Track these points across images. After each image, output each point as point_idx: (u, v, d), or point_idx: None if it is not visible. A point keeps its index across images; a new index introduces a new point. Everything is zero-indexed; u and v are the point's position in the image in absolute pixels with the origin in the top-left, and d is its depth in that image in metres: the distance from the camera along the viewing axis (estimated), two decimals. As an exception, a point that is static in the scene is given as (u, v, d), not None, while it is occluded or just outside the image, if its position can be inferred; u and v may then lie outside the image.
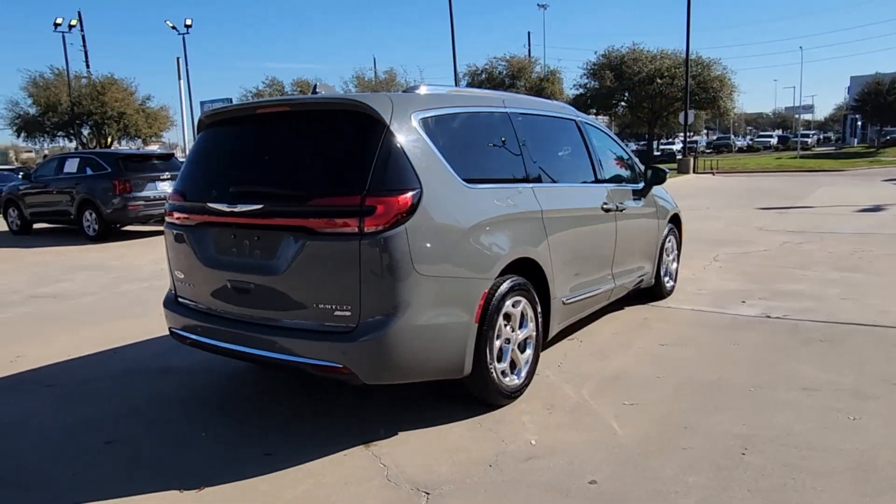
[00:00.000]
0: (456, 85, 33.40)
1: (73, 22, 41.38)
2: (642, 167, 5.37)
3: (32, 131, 42.93)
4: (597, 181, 4.64)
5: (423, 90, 3.47)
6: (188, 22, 42.61)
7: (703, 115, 40.16)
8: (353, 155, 2.96)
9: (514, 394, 3.54)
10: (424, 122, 3.16)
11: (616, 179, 5.05)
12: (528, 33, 56.82)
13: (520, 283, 3.53)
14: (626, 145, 5.99)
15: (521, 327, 3.63)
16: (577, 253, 4.19)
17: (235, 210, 3.15)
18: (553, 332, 4.01)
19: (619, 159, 5.32)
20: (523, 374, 3.63)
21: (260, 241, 3.13)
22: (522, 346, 3.67)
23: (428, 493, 2.65)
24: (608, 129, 5.64)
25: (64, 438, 3.31)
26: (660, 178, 5.26)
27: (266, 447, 3.10)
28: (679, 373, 3.98)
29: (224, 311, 3.32)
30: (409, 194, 2.91)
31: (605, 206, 4.51)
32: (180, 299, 3.61)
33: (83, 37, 52.44)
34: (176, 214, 3.52)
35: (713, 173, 29.07)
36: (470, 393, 3.41)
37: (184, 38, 42.67)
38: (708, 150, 55.50)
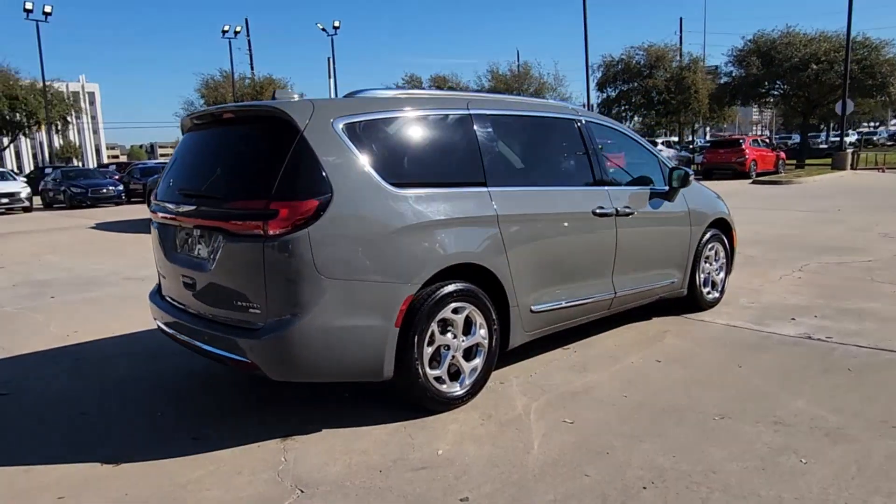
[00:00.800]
0: (587, 77, 32.55)
1: (238, 28, 45.54)
2: (668, 169, 4.98)
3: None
4: (595, 183, 4.40)
5: (381, 94, 3.54)
6: (336, 24, 45.24)
7: (867, 104, 35.56)
8: (267, 160, 3.09)
9: (455, 401, 3.50)
10: (349, 128, 3.21)
11: (627, 182, 4.74)
12: (681, 19, 53.43)
13: (463, 290, 3.48)
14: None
15: (467, 334, 3.57)
16: (555, 259, 4.02)
17: (179, 210, 3.41)
18: (517, 341, 3.89)
19: (637, 161, 4.99)
20: (468, 382, 3.58)
21: (197, 240, 3.36)
22: (470, 354, 3.61)
23: (302, 492, 2.73)
24: (628, 128, 5.27)
25: (51, 405, 3.79)
26: (682, 180, 4.86)
27: (197, 433, 3.34)
28: (648, 394, 3.70)
29: (182, 305, 3.60)
30: (315, 199, 2.99)
31: (598, 211, 4.26)
32: (161, 293, 3.96)
33: (249, 41, 57.48)
34: (151, 212, 3.87)
35: (881, 170, 25.79)
36: (400, 397, 3.43)
37: (332, 40, 45.39)
38: (889, 143, 49.30)
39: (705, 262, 5.42)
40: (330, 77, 47.29)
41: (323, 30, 45.04)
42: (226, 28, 44.46)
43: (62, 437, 3.38)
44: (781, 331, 4.83)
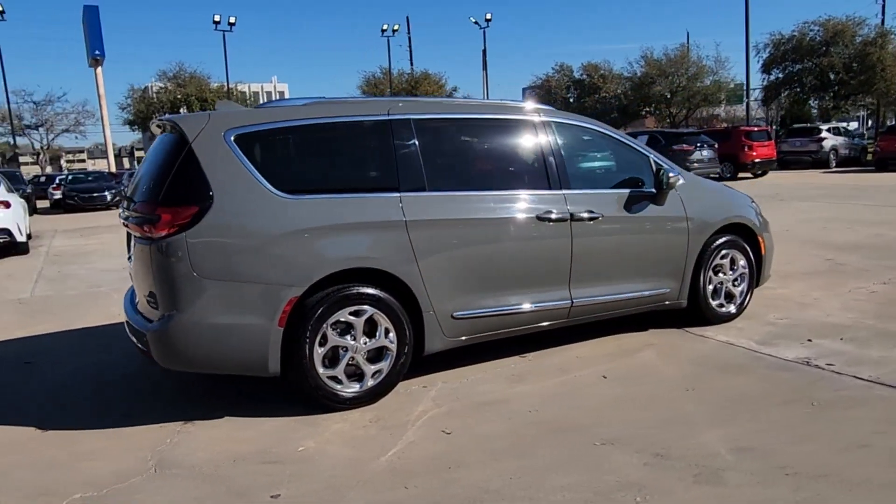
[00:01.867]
0: (747, 57, 29.81)
1: (397, 27, 47.66)
2: (661, 169, 4.58)
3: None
4: (550, 187, 4.20)
5: (286, 104, 3.71)
6: (488, 17, 45.66)
7: None
8: (163, 168, 3.40)
9: (352, 402, 3.60)
10: (241, 138, 3.42)
11: (596, 184, 4.47)
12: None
13: (364, 293, 3.56)
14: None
15: (372, 337, 3.65)
16: (485, 265, 3.92)
17: (122, 214, 3.85)
18: (436, 347, 3.87)
19: (625, 162, 4.66)
20: (370, 384, 3.65)
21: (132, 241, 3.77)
22: (375, 357, 3.68)
23: (155, 472, 3.01)
24: (610, 128, 4.83)
25: (44, 376, 4.46)
26: (665, 182, 4.45)
27: (130, 410, 3.77)
28: (559, 411, 3.52)
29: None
30: (195, 206, 3.24)
31: (546, 216, 4.07)
32: None
33: (409, 38, 59.90)
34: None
35: None
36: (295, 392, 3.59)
37: (484, 32, 45.93)
38: None
39: (714, 272, 4.91)
40: (484, 69, 47.83)
41: (476, 23, 45.80)
42: (384, 27, 46.83)
43: (23, 403, 3.99)
44: (782, 353, 4.27)
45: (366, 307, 3.59)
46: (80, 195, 21.55)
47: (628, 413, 3.45)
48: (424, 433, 3.31)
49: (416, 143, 3.83)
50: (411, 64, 50.69)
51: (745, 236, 5.04)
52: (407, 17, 51.92)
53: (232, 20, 41.01)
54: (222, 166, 3.34)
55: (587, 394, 3.75)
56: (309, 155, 3.66)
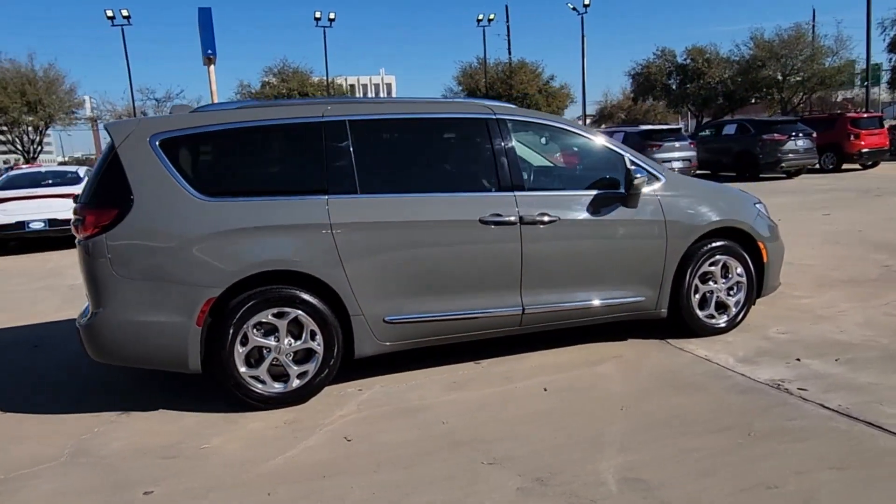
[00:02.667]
0: (867, 35, 27.07)
1: (492, 16, 47.34)
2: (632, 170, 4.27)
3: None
4: (500, 188, 4.02)
5: (217, 108, 3.79)
6: (587, 2, 44.36)
7: None
8: (94, 173, 3.58)
9: (275, 402, 3.65)
10: (166, 143, 3.53)
11: (558, 185, 4.24)
12: None
13: (287, 296, 3.60)
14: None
15: (297, 339, 3.68)
16: (419, 269, 3.83)
17: None
18: (367, 350, 3.83)
19: (597, 162, 4.39)
20: (295, 384, 3.69)
21: None
22: (304, 359, 3.71)
23: (66, 459, 3.20)
24: (580, 125, 4.50)
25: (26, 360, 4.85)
26: (630, 184, 4.14)
27: (87, 395, 4.03)
28: (473, 424, 3.40)
29: None
30: (115, 209, 3.40)
31: (490, 219, 3.91)
32: None
33: (508, 27, 59.36)
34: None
35: None
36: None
37: (582, 19, 44.68)
38: None
39: (702, 280, 4.53)
40: (582, 57, 46.59)
41: (574, 9, 44.58)
42: (480, 17, 46.63)
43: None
44: (756, 373, 3.89)
45: (289, 309, 3.62)
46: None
47: (540, 430, 3.26)
48: (327, 438, 3.30)
49: (350, 145, 3.79)
50: (509, 53, 50.14)
51: (742, 242, 4.61)
52: (506, 6, 51.23)
53: (332, 16, 42.34)
54: (144, 170, 3.47)
55: (514, 406, 3.59)
56: (234, 158, 3.72)
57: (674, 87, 41.85)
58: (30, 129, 40.46)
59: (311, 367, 3.71)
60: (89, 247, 3.42)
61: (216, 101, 43.46)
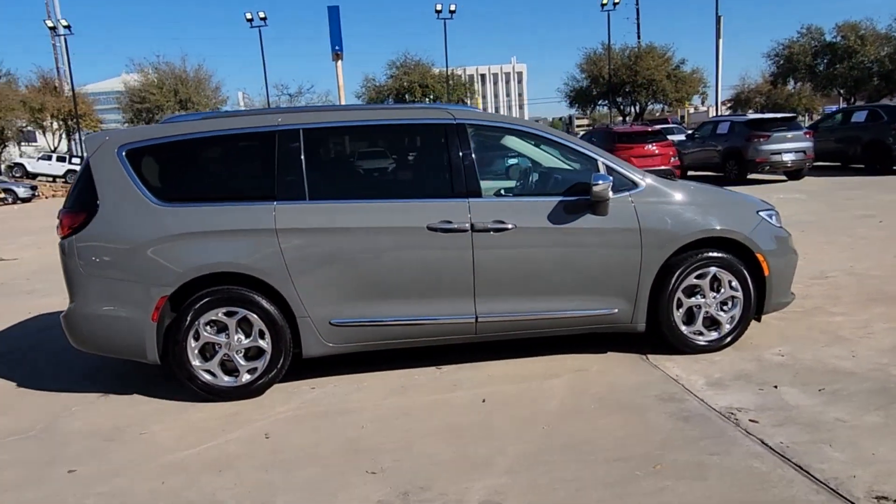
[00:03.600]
0: None
1: (617, 0, 45.56)
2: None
3: (582, 101, 49.53)
4: (453, 195, 3.98)
5: (181, 119, 4.07)
6: (722, -21, 41.32)
7: None
8: (74, 181, 3.98)
9: (225, 394, 3.90)
10: (130, 153, 3.86)
11: (520, 191, 4.12)
12: None
13: (235, 296, 3.82)
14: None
15: (248, 337, 3.90)
16: (365, 274, 3.90)
17: None
18: (315, 351, 3.96)
19: (556, 168, 4.21)
20: (244, 379, 3.91)
21: None
22: (255, 356, 3.93)
23: (33, 435, 3.63)
24: (550, 129, 4.23)
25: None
26: (587, 191, 3.93)
27: (83, 376, 4.51)
28: (379, 430, 3.44)
29: None
30: (84, 213, 3.78)
31: (438, 226, 3.89)
32: None
33: (637, 9, 56.95)
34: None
35: None
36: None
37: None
38: None
39: (688, 294, 4.21)
40: (718, 38, 43.72)
41: (708, -12, 41.73)
42: (604, 1, 45.00)
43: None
44: (717, 399, 3.58)
45: (238, 309, 3.84)
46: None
47: (441, 444, 3.24)
48: (250, 434, 3.49)
49: (302, 152, 3.93)
50: (638, 38, 48.11)
51: (738, 253, 4.23)
52: (633, -12, 49.13)
53: (452, 8, 42.79)
54: (110, 178, 3.83)
55: (438, 416, 3.57)
56: (189, 166, 3.98)
57: (820, 68, 38.06)
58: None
59: (259, 365, 3.91)
60: (64, 246, 3.83)
61: (343, 95, 45.48)
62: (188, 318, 3.80)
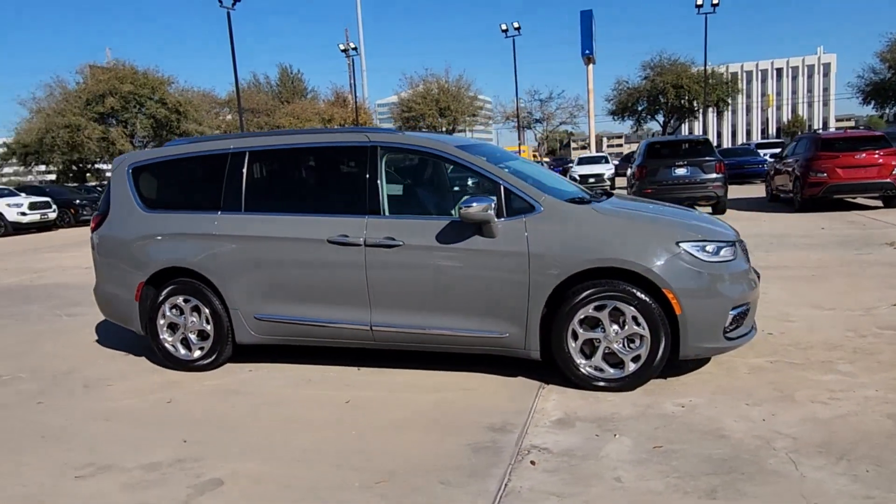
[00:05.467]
0: None
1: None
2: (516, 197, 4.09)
3: (881, 97, 42.25)
4: (357, 212, 4.33)
5: (177, 141, 5.10)
6: None
7: None
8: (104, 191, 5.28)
9: (190, 366, 4.81)
10: (134, 169, 5.00)
11: (420, 211, 4.32)
12: None
13: (189, 286, 4.75)
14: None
15: (199, 321, 4.81)
16: (279, 276, 4.48)
17: None
18: (246, 339, 4.67)
19: (459, 188, 4.27)
20: (195, 355, 4.82)
21: None
22: (201, 336, 4.81)
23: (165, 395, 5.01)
24: (459, 151, 4.06)
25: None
26: (462, 212, 3.96)
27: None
28: (229, 412, 4.02)
29: None
30: (101, 215, 5.04)
31: (337, 239, 4.31)
32: None
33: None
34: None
35: None
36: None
37: None
38: None
39: (590, 326, 3.97)
40: None
41: None
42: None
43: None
44: (538, 437, 3.45)
45: (191, 298, 4.75)
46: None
47: (263, 429, 3.71)
48: (171, 396, 4.33)
49: (245, 170, 4.67)
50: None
51: (647, 287, 3.87)
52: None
53: (715, 1, 39.66)
54: (119, 189, 5.02)
55: (295, 408, 4.01)
56: (170, 180, 4.97)
57: None
58: (442, 130, 48.79)
59: (206, 345, 4.78)
60: (92, 239, 5.15)
61: (592, 100, 45.09)
62: (158, 301, 4.81)
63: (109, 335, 6.01)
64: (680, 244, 3.89)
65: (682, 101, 42.91)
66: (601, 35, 38.63)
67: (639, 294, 3.85)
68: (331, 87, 52.81)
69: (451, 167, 4.47)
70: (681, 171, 12.51)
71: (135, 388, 4.56)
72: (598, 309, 3.94)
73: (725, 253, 4.02)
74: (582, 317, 3.97)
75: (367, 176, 4.38)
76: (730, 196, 17.23)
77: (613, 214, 4.11)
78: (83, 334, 6.15)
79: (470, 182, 4.70)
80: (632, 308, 3.88)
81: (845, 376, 4.04)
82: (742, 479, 2.87)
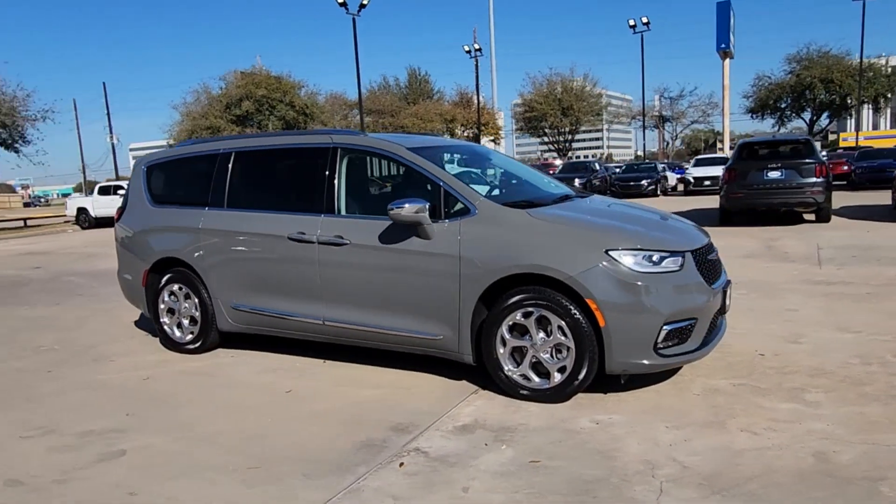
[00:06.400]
0: None
1: None
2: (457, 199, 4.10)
3: None
4: (314, 211, 4.50)
5: (184, 144, 5.55)
6: None
7: None
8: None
9: (176, 346, 5.29)
10: (148, 168, 5.52)
11: (372, 210, 4.41)
12: None
13: (182, 275, 5.20)
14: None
15: (187, 307, 5.24)
16: (249, 269, 4.76)
17: None
18: (224, 326, 5.02)
19: (409, 189, 4.30)
20: (187, 338, 5.26)
21: None
22: (192, 321, 5.24)
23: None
24: (409, 153, 3.96)
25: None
26: (393, 213, 3.99)
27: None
28: (181, 388, 4.35)
29: None
30: (122, 209, 5.63)
31: (294, 236, 4.52)
32: None
33: None
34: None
35: None
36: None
37: None
38: None
39: (516, 335, 3.87)
40: None
41: None
42: None
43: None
44: (428, 441, 3.45)
45: (183, 286, 5.19)
46: (621, 183, 24.65)
47: (197, 410, 4.00)
48: (137, 376, 4.75)
49: (229, 170, 5.01)
50: None
51: (573, 296, 3.72)
52: None
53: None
54: (136, 185, 5.58)
55: (241, 394, 4.27)
56: (173, 178, 5.41)
57: None
58: (565, 129, 47.94)
59: (195, 330, 5.19)
60: (115, 229, 5.75)
61: (727, 96, 42.45)
62: (159, 287, 5.31)
63: (145, 318, 6.66)
64: (609, 252, 3.68)
65: (833, 97, 38.94)
66: (739, 27, 36.11)
67: (564, 302, 3.70)
68: (455, 88, 53.53)
69: (404, 169, 4.51)
70: (774, 175, 11.43)
71: (129, 365, 5.07)
72: (525, 316, 3.83)
73: (668, 263, 3.74)
74: (511, 323, 3.87)
75: (327, 176, 4.54)
76: (856, 202, 15.56)
77: (548, 220, 3.96)
78: (128, 316, 6.87)
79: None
80: (557, 317, 3.73)
81: (806, 406, 3.62)
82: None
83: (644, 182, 24.35)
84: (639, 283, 3.63)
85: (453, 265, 3.98)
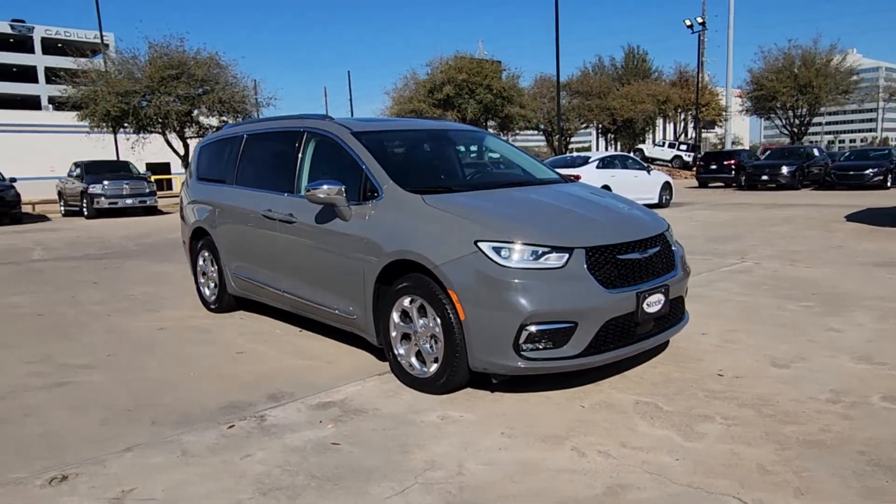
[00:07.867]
0: None
1: None
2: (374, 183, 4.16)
3: None
4: (285, 190, 4.84)
5: (228, 126, 6.24)
6: None
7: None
8: (192, 162, 6.74)
9: (206, 304, 6.08)
10: (201, 149, 6.31)
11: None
12: None
13: (207, 242, 5.94)
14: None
15: (211, 269, 5.97)
16: (241, 241, 5.30)
17: None
18: (232, 291, 5.62)
19: (344, 171, 4.41)
20: (211, 298, 6.00)
21: None
22: (214, 284, 5.96)
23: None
24: (346, 139, 3.81)
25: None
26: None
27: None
28: (158, 340, 5.00)
29: None
30: (184, 183, 6.55)
31: (265, 213, 4.92)
32: None
33: None
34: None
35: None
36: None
37: None
38: None
39: (407, 320, 3.85)
40: None
41: None
42: None
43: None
44: (274, 414, 3.65)
45: (208, 253, 5.92)
46: (838, 173, 21.17)
47: (171, 363, 4.62)
48: (157, 326, 5.56)
49: (241, 151, 5.56)
50: None
51: (442, 285, 3.61)
52: None
53: None
54: (192, 164, 6.42)
55: (214, 353, 4.81)
56: (210, 158, 6.09)
57: None
58: (802, 110, 42.11)
59: (216, 291, 5.91)
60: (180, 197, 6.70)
61: None
62: (195, 251, 6.12)
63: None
64: (478, 244, 3.46)
65: None
66: None
67: (436, 293, 3.58)
68: (674, 66, 49.77)
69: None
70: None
71: (166, 317, 5.93)
72: (411, 302, 3.78)
73: (550, 260, 3.41)
74: (401, 309, 3.86)
75: (294, 158, 4.85)
76: None
77: (438, 207, 3.80)
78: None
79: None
80: (431, 307, 3.63)
81: (682, 438, 3.08)
82: (321, 489, 2.69)
83: (868, 171, 20.67)
84: (503, 277, 3.37)
85: (360, 246, 4.05)
